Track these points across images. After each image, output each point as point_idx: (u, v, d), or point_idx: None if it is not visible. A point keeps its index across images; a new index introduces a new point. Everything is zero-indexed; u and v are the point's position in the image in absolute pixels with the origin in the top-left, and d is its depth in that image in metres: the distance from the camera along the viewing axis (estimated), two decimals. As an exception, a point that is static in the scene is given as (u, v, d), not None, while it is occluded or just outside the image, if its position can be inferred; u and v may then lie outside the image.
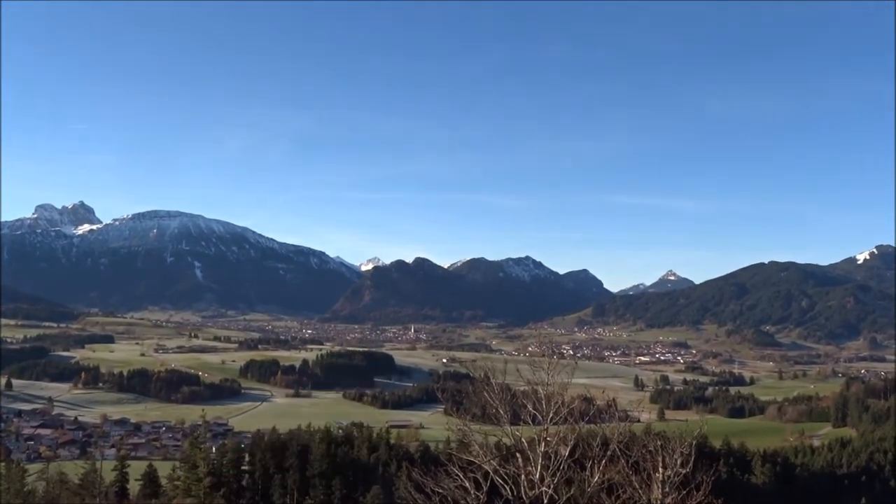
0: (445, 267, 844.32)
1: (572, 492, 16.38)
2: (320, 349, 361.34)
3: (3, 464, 79.09)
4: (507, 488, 16.61)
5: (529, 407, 17.81)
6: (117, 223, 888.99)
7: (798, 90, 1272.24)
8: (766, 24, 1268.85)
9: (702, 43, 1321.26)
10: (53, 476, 67.96)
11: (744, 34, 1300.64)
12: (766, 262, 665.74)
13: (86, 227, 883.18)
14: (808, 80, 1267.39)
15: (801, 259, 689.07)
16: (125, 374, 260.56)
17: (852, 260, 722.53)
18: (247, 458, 78.82)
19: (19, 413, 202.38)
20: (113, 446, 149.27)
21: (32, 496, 63.19)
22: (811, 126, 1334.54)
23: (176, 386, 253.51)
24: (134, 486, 72.85)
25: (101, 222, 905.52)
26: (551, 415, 17.38)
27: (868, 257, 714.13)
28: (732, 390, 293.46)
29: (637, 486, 15.83)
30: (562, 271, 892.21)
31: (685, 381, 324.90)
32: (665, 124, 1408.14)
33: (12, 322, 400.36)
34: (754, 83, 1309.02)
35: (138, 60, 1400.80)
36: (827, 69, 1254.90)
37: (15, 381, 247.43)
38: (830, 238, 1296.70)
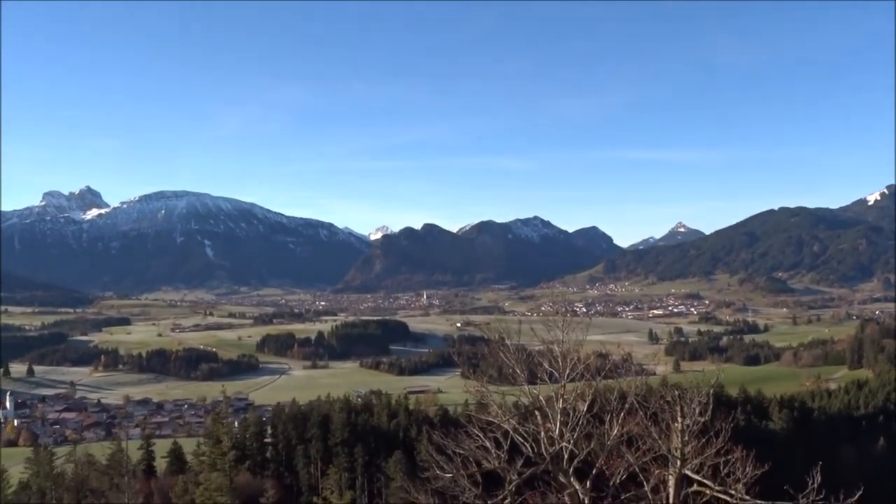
0: (454, 231, 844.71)
1: (592, 445, 16.54)
2: (334, 320, 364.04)
3: (31, 448, 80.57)
4: (528, 446, 16.77)
5: (546, 365, 17.91)
6: (125, 206, 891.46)
7: (801, 33, 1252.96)
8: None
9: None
10: (81, 458, 69.23)
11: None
12: (776, 208, 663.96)
13: (94, 212, 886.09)
14: (810, 23, 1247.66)
15: (812, 203, 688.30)
16: (144, 354, 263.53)
17: (863, 202, 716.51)
18: (269, 431, 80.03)
19: (43, 398, 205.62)
20: (137, 426, 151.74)
21: (62, 478, 64.46)
22: (815, 68, 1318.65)
23: (195, 364, 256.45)
24: (160, 464, 74.21)
25: (108, 206, 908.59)
26: (568, 372, 17.48)
27: (879, 198, 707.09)
28: (747, 338, 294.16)
29: (656, 437, 15.95)
30: (571, 229, 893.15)
31: (699, 332, 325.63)
32: (667, 75, 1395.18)
33: (29, 310, 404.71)
34: (756, 29, 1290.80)
35: (134, 42, 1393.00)
36: (829, 10, 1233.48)
37: (36, 368, 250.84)
38: (840, 181, 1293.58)
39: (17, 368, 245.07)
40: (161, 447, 77.80)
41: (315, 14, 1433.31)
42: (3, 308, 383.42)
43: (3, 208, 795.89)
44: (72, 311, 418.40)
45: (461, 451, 16.50)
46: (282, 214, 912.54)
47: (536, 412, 17.18)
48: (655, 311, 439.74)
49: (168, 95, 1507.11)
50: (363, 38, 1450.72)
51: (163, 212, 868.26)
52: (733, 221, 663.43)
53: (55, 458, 68.47)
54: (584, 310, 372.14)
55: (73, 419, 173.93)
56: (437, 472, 16.64)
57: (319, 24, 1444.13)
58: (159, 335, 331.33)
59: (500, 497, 16.17)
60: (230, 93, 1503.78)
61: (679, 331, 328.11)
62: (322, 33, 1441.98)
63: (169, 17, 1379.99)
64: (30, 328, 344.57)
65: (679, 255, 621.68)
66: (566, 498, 15.98)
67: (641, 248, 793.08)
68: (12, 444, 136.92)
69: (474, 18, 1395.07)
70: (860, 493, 14.87)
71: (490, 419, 17.28)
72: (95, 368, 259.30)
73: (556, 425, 16.67)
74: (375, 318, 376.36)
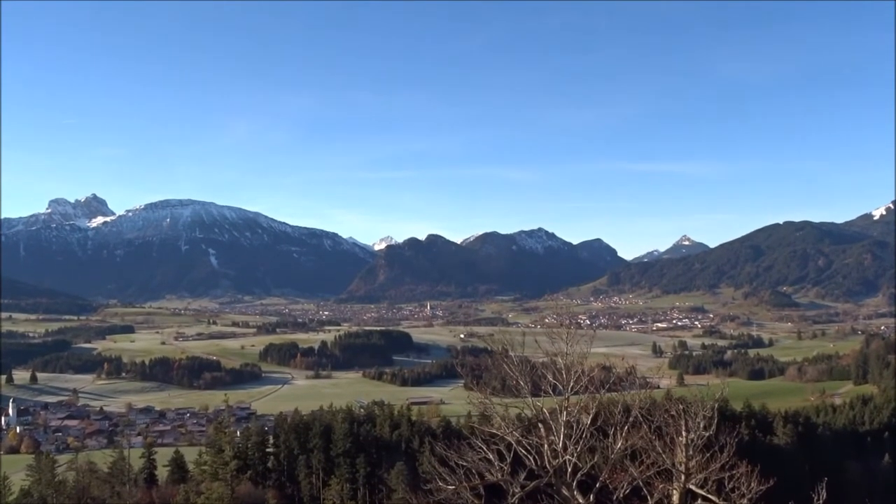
0: (458, 242, 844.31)
1: (596, 459, 16.46)
2: (338, 330, 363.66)
3: (33, 456, 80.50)
4: (531, 458, 16.71)
5: (549, 377, 17.86)
6: (130, 214, 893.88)
7: (806, 46, 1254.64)
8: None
9: (708, 3, 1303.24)
10: (83, 466, 69.17)
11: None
12: (781, 222, 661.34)
13: (99, 220, 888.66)
14: (817, 37, 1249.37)
15: (817, 218, 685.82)
16: (147, 363, 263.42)
17: (868, 216, 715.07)
18: (271, 441, 79.90)
19: (46, 405, 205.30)
20: (139, 434, 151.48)
21: (63, 486, 64.34)
22: (821, 83, 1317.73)
23: (197, 372, 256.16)
24: (162, 473, 74.03)
25: (114, 214, 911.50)
26: (571, 384, 17.43)
27: (884, 213, 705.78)
28: (751, 352, 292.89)
29: (661, 451, 15.87)
30: (575, 241, 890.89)
31: (703, 346, 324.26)
32: (673, 88, 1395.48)
33: (33, 317, 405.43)
34: (761, 42, 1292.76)
35: (140, 51, 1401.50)
36: (836, 24, 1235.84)
37: (39, 375, 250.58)
38: (845, 195, 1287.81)
39: (21, 375, 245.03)
40: (163, 456, 77.64)
41: (321, 24, 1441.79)
42: (7, 315, 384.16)
43: (10, 215, 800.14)
44: (76, 318, 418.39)
45: (464, 463, 16.44)
46: (286, 224, 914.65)
47: (540, 424, 17.12)
48: (659, 325, 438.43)
49: (174, 104, 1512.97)
50: (369, 49, 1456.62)
51: (168, 220, 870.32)
52: (738, 235, 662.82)
53: (57, 466, 68.45)
54: (587, 322, 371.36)
55: (75, 427, 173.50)
56: (440, 483, 16.58)
57: (326, 34, 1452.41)
58: (163, 343, 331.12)
59: (503, 510, 16.10)
60: (237, 102, 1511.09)
61: (683, 344, 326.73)
62: (328, 43, 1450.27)
63: (175, 26, 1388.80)
64: (33, 335, 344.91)
65: (683, 269, 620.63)
66: (569, 511, 15.90)
67: (646, 260, 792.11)
68: (14, 451, 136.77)
69: (479, 31, 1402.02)
70: (866, 509, 14.76)
71: (493, 431, 17.23)
72: (98, 376, 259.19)
73: (559, 438, 16.61)
74: (379, 328, 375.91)
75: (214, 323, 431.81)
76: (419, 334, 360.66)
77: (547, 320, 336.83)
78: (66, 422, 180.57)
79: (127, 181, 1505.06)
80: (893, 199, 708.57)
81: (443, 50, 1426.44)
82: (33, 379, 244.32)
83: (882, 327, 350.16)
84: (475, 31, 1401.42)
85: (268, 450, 78.26)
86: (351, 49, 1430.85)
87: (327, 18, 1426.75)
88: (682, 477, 15.63)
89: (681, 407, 16.11)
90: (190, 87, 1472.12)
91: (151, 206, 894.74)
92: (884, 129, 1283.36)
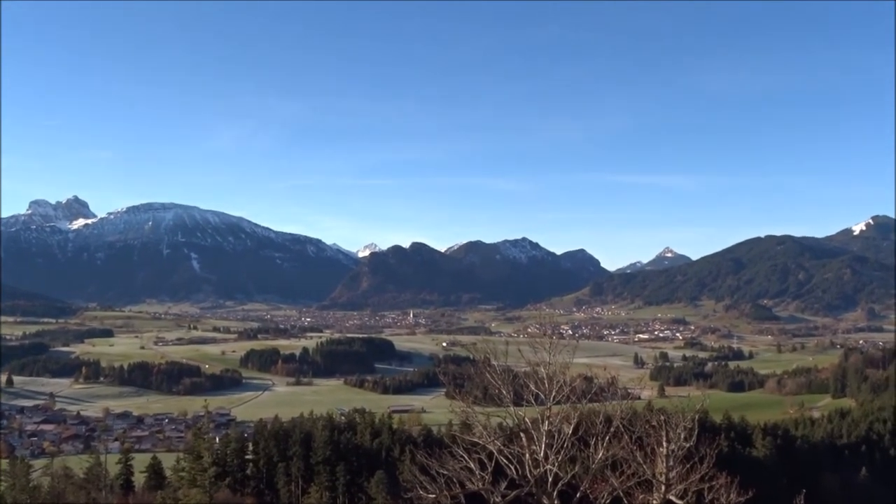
0: (442, 251, 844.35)
1: (577, 469, 16.48)
2: (320, 337, 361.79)
3: (7, 460, 79.34)
4: (512, 468, 16.69)
5: (532, 387, 17.88)
6: (112, 217, 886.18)
7: (791, 63, 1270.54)
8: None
9: (693, 19, 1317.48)
10: (58, 471, 68.26)
11: (735, 8, 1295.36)
12: (763, 236, 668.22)
13: (81, 222, 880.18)
14: (801, 53, 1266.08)
15: (798, 232, 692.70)
16: (126, 367, 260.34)
17: (848, 231, 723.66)
18: (250, 448, 79.16)
19: (21, 409, 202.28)
20: (116, 440, 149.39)
21: (38, 492, 63.45)
22: (804, 99, 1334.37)
23: (177, 378, 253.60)
24: (139, 479, 73.16)
25: (95, 216, 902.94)
26: (553, 394, 17.45)
27: (864, 228, 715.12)
28: (732, 365, 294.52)
29: (641, 461, 15.92)
30: (559, 252, 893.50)
31: (684, 358, 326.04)
32: (658, 102, 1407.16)
33: (11, 319, 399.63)
34: (747, 57, 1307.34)
35: (128, 53, 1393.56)
36: (820, 41, 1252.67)
37: (16, 378, 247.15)
38: (826, 210, 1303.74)
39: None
40: (140, 462, 76.68)
41: (311, 32, 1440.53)
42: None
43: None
44: (54, 321, 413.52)
45: (445, 472, 16.40)
46: (270, 229, 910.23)
47: (521, 434, 17.12)
48: (641, 336, 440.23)
49: (161, 107, 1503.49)
50: (357, 56, 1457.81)
51: (150, 223, 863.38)
52: (720, 248, 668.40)
53: (31, 471, 67.39)
54: (570, 332, 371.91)
55: (51, 431, 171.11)
56: (421, 492, 16.52)
57: (315, 41, 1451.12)
58: (142, 348, 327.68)
59: (484, 519, 16.06)
60: (223, 106, 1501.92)
61: (664, 356, 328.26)
62: (317, 50, 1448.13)
63: (163, 30, 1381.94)
64: (10, 338, 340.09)
65: (666, 280, 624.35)
66: (549, 521, 15.88)
67: (629, 271, 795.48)
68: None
69: (468, 41, 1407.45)
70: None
71: (475, 440, 17.21)
72: (76, 380, 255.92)
73: (541, 447, 16.61)
74: (361, 335, 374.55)
75: (195, 328, 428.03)
76: (401, 342, 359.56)
77: (530, 330, 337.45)
78: (42, 426, 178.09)
79: (111, 184, 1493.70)
80: (873, 214, 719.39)
81: (431, 59, 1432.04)
82: (9, 382, 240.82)
83: (860, 341, 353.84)
84: (464, 42, 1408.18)
85: (247, 457, 77.56)
86: (339, 56, 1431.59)
87: (316, 25, 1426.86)
88: (663, 487, 15.69)
89: (661, 418, 16.18)
90: (177, 90, 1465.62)
91: (133, 209, 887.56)
92: (865, 145, 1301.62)
